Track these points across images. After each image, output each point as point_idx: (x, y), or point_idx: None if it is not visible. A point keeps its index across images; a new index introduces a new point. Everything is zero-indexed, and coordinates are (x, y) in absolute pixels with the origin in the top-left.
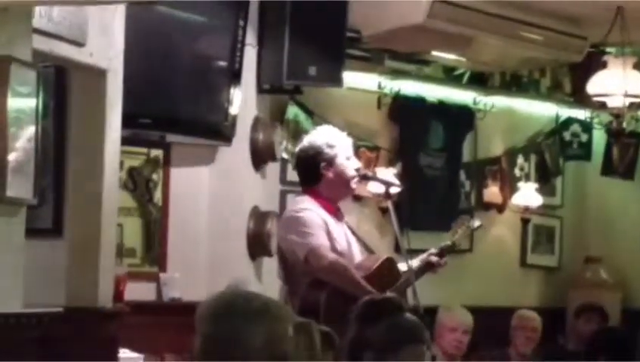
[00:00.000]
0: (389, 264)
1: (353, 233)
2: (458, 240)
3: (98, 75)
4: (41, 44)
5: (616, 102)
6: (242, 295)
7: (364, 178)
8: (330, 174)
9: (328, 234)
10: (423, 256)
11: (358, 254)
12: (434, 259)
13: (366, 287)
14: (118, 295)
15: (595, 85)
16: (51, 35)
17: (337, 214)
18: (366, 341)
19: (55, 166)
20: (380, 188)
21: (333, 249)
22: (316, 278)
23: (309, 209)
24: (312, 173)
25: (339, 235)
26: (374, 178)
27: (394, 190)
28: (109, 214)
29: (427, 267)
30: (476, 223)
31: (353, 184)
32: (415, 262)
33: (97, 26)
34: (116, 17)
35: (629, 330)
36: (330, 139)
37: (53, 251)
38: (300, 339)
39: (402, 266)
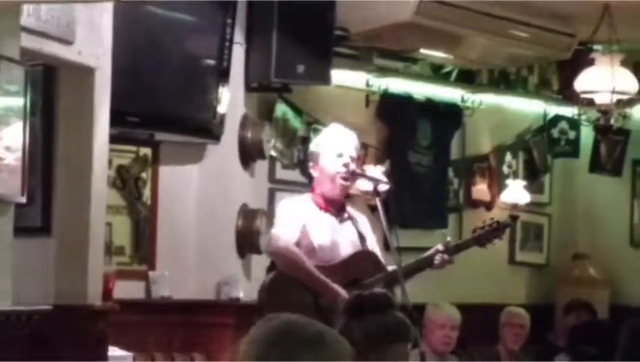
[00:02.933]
0: (364, 256)
1: (360, 234)
2: (472, 240)
3: (86, 73)
4: (29, 42)
5: (603, 99)
6: (299, 321)
7: (352, 175)
8: (315, 172)
9: (304, 228)
10: (430, 251)
11: (348, 251)
12: (438, 257)
13: (316, 276)
14: (107, 293)
15: (583, 82)
16: (39, 34)
17: (332, 211)
18: (349, 336)
19: (43, 164)
20: (368, 186)
21: (307, 242)
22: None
23: (290, 201)
24: (308, 172)
25: (322, 231)
26: (362, 175)
27: (382, 187)
28: (98, 213)
29: (426, 263)
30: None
31: (339, 180)
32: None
33: (85, 25)
34: (104, 16)
35: (614, 324)
36: (321, 138)
37: (42, 249)
38: None
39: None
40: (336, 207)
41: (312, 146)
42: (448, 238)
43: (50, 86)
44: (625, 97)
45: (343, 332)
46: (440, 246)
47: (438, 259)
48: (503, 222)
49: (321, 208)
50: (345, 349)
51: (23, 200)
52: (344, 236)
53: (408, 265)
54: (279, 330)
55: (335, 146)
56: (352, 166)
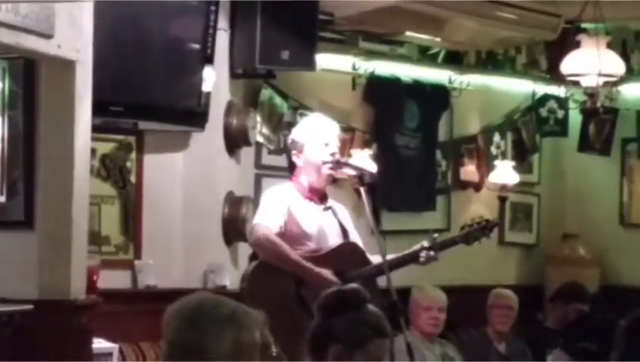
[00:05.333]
0: (349, 249)
1: (340, 224)
2: (459, 237)
3: (66, 66)
4: (8, 37)
5: (589, 81)
6: (210, 301)
7: (337, 164)
8: (300, 161)
9: (290, 215)
10: (415, 247)
11: (336, 242)
12: (423, 253)
13: (298, 262)
14: (90, 286)
15: (569, 65)
16: (18, 29)
17: (315, 199)
18: (331, 334)
19: (25, 158)
20: (354, 171)
21: (295, 228)
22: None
23: (272, 190)
24: (290, 160)
25: (309, 218)
26: (348, 164)
27: (367, 178)
28: (81, 206)
29: (411, 258)
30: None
31: (325, 170)
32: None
33: (65, 18)
34: (84, 8)
35: (608, 310)
36: (305, 127)
37: (25, 244)
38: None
39: (379, 258)
40: (319, 195)
41: (296, 135)
42: (435, 235)
43: (31, 79)
44: (611, 79)
45: (322, 329)
46: (425, 243)
47: (423, 255)
48: (492, 221)
49: (305, 196)
50: (256, 323)
51: (2, 198)
52: (330, 225)
53: (393, 259)
54: (192, 311)
55: (321, 136)
56: (338, 155)
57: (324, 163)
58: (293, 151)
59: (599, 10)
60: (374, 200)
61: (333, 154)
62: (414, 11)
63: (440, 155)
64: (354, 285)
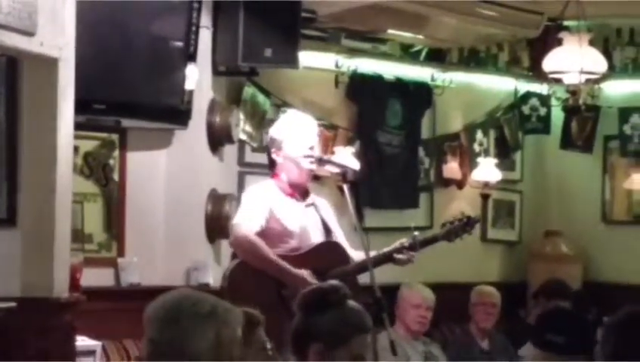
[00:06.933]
0: (329, 247)
1: (322, 220)
2: (440, 234)
3: (49, 64)
4: None
5: (572, 79)
6: (190, 298)
7: (320, 161)
8: (279, 159)
9: (271, 213)
10: (395, 244)
11: (318, 238)
12: (400, 256)
13: (277, 263)
14: (73, 284)
15: (551, 62)
16: (0, 26)
17: (297, 196)
18: (312, 333)
19: (8, 156)
20: (337, 168)
21: (277, 227)
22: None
23: (254, 188)
24: (270, 158)
25: (291, 216)
26: (330, 162)
27: (350, 176)
28: (63, 203)
29: (389, 257)
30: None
31: (305, 164)
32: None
33: (47, 15)
34: (67, 5)
35: (590, 307)
36: (282, 124)
37: (8, 241)
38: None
39: (360, 254)
40: (300, 192)
41: (274, 132)
42: (416, 233)
43: (13, 77)
44: (593, 77)
45: (302, 327)
46: (405, 241)
47: (402, 257)
48: (473, 218)
49: (286, 194)
50: (236, 318)
51: None
52: (312, 222)
53: (374, 257)
54: (171, 308)
55: (298, 131)
56: (316, 149)
57: (304, 157)
58: (273, 149)
59: (581, 7)
60: (357, 197)
61: (311, 148)
62: (397, 9)
63: (423, 153)
64: (333, 282)
